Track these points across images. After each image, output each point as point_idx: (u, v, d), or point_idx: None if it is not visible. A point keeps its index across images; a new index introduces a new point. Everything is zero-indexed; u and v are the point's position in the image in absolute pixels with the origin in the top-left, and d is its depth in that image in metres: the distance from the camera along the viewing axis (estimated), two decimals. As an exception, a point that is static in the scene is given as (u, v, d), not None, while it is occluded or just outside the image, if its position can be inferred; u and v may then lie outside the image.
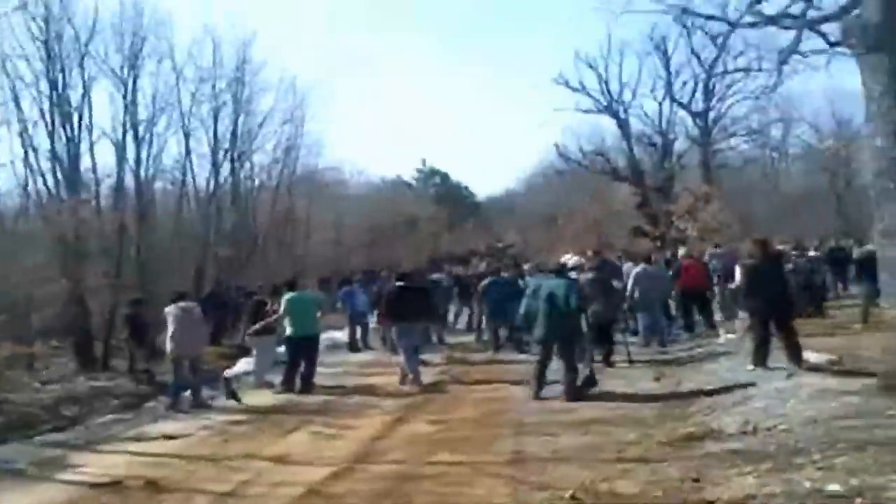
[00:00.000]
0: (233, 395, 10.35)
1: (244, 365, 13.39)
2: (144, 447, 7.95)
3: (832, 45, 10.33)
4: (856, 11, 8.70)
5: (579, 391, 9.08)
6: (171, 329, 10.64)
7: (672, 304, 15.11)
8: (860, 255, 15.00)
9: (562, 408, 8.61)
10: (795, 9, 10.68)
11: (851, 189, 35.16)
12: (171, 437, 8.31)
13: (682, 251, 16.96)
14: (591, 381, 9.39)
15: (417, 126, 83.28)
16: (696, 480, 5.23)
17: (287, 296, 11.61)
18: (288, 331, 11.41)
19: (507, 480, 5.80)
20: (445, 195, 54.91)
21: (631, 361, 11.55)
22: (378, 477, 6.20)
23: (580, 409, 8.42)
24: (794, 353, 9.10)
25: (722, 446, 6.14)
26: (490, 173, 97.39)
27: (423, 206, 46.78)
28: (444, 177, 56.97)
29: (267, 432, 8.32)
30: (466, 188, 59.14)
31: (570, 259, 16.14)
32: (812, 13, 10.43)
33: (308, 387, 11.01)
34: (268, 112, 26.66)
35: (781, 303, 9.47)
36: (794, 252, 16.69)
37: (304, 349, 11.25)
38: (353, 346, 16.02)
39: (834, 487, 4.62)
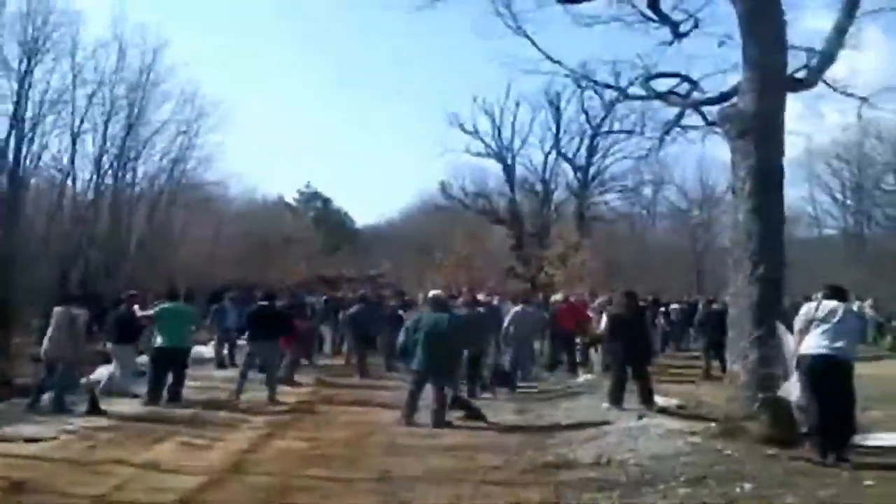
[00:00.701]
0: (94, 404, 10.06)
1: (105, 372, 13.02)
2: (4, 448, 7.68)
3: (709, 123, 11.25)
4: (733, 100, 9.57)
5: (446, 419, 9.50)
6: (51, 330, 10.34)
7: (537, 344, 15.81)
8: (701, 314, 16.31)
9: (429, 433, 8.93)
10: (681, 89, 11.63)
11: (710, 249, 37.71)
12: (32, 440, 8.08)
13: (559, 296, 17.65)
14: (474, 411, 9.90)
15: (306, 148, 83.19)
16: (554, 503, 5.68)
17: (163, 305, 11.47)
18: (158, 341, 11.16)
19: (376, 496, 6.06)
20: (324, 219, 55.01)
21: (494, 394, 12.06)
22: (251, 487, 6.34)
23: (446, 435, 8.79)
24: (647, 397, 10.05)
25: (578, 475, 6.64)
26: (371, 202, 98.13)
27: (301, 228, 46.64)
28: (326, 201, 57.07)
29: (134, 440, 8.21)
30: (346, 214, 59.48)
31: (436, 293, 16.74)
32: (696, 94, 11.37)
33: (176, 398, 10.85)
34: (163, 122, 26.27)
35: (640, 351, 10.40)
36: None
37: (172, 361, 11.05)
38: (220, 363, 15.87)
39: (675, 513, 5.16)
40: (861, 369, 13.44)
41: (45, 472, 6.72)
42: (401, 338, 10.16)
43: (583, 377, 13.62)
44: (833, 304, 7.24)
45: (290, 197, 55.74)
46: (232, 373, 14.69)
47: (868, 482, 5.90)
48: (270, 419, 9.89)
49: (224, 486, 6.34)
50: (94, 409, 9.88)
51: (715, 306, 16.14)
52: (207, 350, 16.60)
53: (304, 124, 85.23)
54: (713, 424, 8.07)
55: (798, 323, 7.32)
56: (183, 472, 6.76)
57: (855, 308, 7.35)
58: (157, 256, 27.20)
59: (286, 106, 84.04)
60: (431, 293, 15.91)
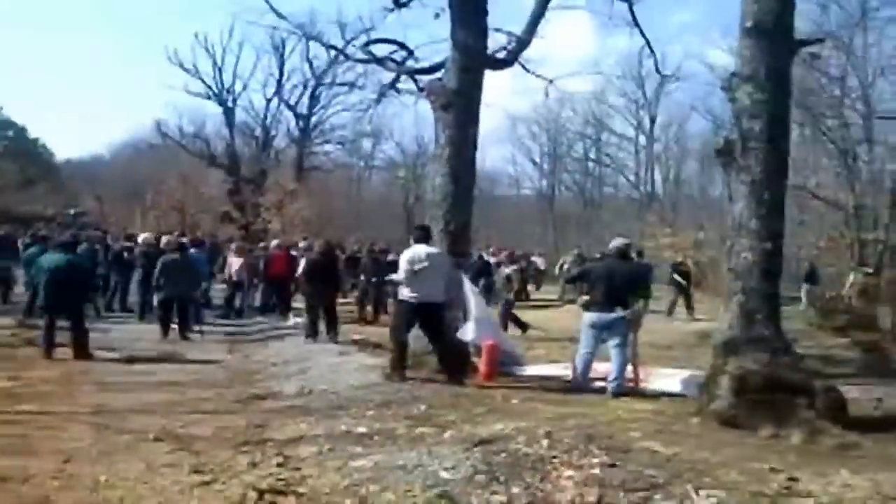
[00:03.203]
0: None
1: None
2: None
3: (421, 90, 12.29)
4: (439, 74, 10.67)
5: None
6: None
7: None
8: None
9: (143, 370, 9.36)
10: (399, 56, 12.62)
11: (421, 203, 40.23)
12: None
13: (274, 242, 18.23)
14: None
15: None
16: (260, 427, 6.47)
17: None
18: None
19: (93, 427, 6.44)
20: (18, 151, 50.24)
21: (202, 333, 12.65)
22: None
23: (159, 372, 9.26)
24: (333, 328, 11.95)
25: (282, 404, 7.51)
26: (76, 134, 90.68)
27: (-11, 159, 42.50)
28: (20, 130, 52.06)
29: None
30: (45, 146, 54.74)
31: (144, 238, 16.61)
32: (411, 62, 12.41)
33: None
34: None
35: (331, 291, 12.20)
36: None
37: None
38: None
39: (362, 429, 6.17)
40: (534, 315, 15.75)
41: None
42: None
43: (292, 320, 14.47)
44: (425, 249, 8.70)
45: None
46: None
47: (514, 401, 7.38)
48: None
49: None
50: None
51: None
52: None
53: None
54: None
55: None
56: None
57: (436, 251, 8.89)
58: None
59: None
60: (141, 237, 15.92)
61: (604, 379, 8.23)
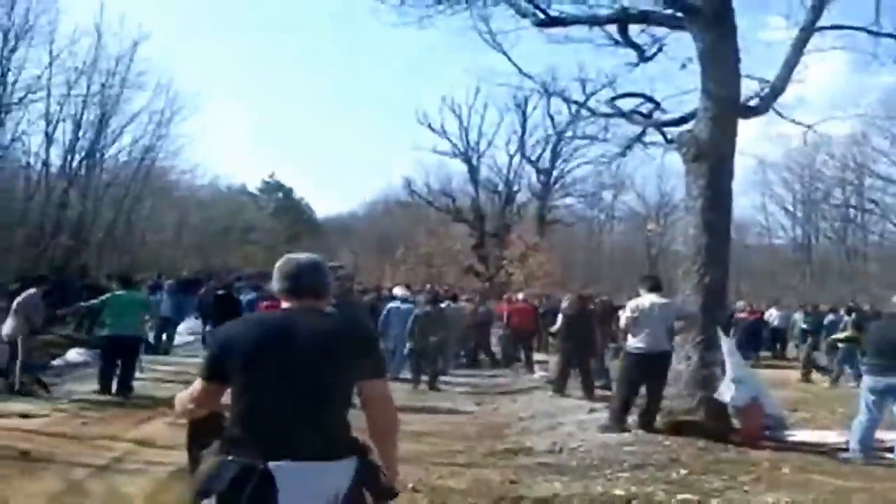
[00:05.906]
0: (39, 383, 10.16)
1: (75, 355, 13.46)
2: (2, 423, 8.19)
3: (668, 142, 11.98)
4: (690, 124, 10.29)
5: None
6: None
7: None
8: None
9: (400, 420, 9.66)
10: (644, 108, 12.37)
11: (664, 254, 39.05)
12: (26, 416, 8.60)
13: (520, 296, 18.37)
14: None
15: (274, 139, 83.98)
16: (513, 483, 6.43)
17: (113, 293, 11.07)
18: (106, 329, 10.77)
19: (356, 474, 6.73)
20: (286, 209, 55.34)
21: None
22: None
23: (412, 422, 9.43)
24: (588, 389, 11.46)
25: (534, 460, 7.41)
26: (334, 194, 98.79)
27: (263, 218, 47.03)
28: (288, 192, 57.34)
29: (122, 419, 8.80)
30: (307, 205, 59.84)
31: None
32: (658, 114, 12.11)
33: (127, 391, 10.37)
34: (137, 112, 26.65)
35: (586, 348, 11.81)
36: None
37: (122, 350, 10.52)
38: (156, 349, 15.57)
39: (618, 492, 5.94)
40: (793, 376, 14.62)
41: (45, 444, 7.26)
42: None
43: (538, 374, 14.43)
44: (650, 298, 8.58)
45: (254, 186, 56.05)
46: (169, 358, 14.81)
47: (784, 470, 6.77)
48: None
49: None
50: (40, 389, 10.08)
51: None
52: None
53: (274, 116, 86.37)
54: (657, 418, 8.90)
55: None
56: (175, 448, 7.34)
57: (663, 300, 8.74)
58: (123, 243, 27.43)
59: (257, 97, 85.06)
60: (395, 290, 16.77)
61: (889, 450, 7.36)
